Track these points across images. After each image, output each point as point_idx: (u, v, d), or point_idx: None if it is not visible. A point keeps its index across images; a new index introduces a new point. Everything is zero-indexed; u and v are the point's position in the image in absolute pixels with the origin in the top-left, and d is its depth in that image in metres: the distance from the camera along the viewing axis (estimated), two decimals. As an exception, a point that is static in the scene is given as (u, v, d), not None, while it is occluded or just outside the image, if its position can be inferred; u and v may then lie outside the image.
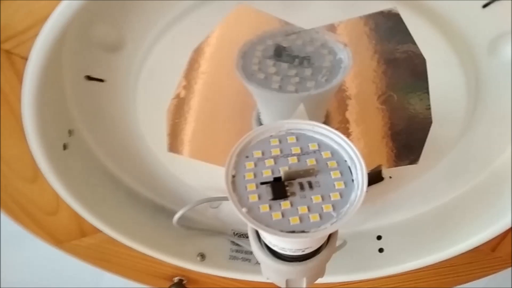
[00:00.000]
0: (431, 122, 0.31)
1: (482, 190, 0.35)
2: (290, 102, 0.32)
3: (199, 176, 0.37)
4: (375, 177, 0.36)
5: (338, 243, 0.42)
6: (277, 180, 0.27)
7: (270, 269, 0.32)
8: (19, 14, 0.21)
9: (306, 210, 0.26)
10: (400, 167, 0.35)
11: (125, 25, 0.27)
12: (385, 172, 0.36)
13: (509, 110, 0.31)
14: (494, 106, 0.31)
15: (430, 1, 0.25)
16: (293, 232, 0.26)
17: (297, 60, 0.35)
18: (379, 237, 0.42)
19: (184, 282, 0.43)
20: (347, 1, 0.25)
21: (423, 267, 0.39)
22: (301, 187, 0.27)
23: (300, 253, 0.30)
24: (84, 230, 0.36)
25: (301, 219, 0.26)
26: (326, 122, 0.39)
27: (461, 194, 0.36)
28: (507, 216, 0.33)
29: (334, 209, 0.26)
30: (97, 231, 0.37)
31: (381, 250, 0.41)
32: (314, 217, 0.26)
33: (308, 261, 0.31)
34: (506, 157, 0.33)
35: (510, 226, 0.34)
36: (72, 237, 0.37)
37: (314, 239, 0.28)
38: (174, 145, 0.34)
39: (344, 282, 0.41)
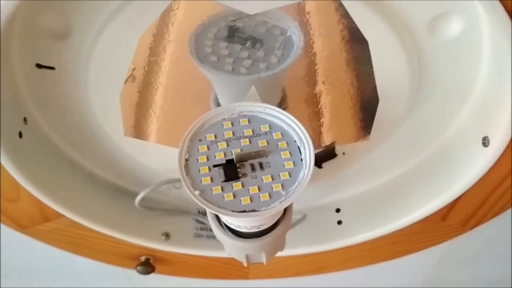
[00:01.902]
0: (378, 101, 0.32)
1: (430, 163, 0.37)
2: (243, 84, 0.33)
3: (159, 159, 0.37)
4: (329, 154, 0.37)
5: (298, 217, 0.44)
6: (230, 162, 0.28)
7: (230, 246, 0.33)
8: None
9: (256, 190, 0.27)
10: (352, 143, 0.36)
11: (71, 13, 0.27)
12: (338, 149, 0.37)
13: (453, 86, 0.32)
14: (438, 83, 0.32)
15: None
16: (244, 211, 0.27)
17: (249, 41, 0.35)
18: (337, 210, 0.44)
19: (151, 260, 0.44)
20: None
21: (380, 237, 0.41)
22: (252, 168, 0.28)
23: (255, 230, 0.31)
24: (47, 215, 0.37)
25: (251, 199, 0.27)
26: (282, 102, 0.40)
27: (412, 168, 0.38)
28: (453, 188, 0.35)
29: (283, 188, 0.27)
30: (60, 215, 0.37)
31: (339, 222, 0.43)
32: (264, 197, 0.27)
33: (264, 237, 0.32)
34: (451, 131, 0.35)
35: (456, 197, 0.36)
36: (35, 222, 0.37)
37: (266, 216, 0.29)
38: (130, 129, 0.34)
39: (304, 254, 0.43)
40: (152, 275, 0.44)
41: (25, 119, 0.33)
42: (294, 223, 0.44)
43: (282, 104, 0.39)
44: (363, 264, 0.46)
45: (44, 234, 0.39)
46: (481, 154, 0.32)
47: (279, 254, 0.43)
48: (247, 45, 0.35)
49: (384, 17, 0.27)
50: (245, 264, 0.35)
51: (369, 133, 0.35)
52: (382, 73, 0.30)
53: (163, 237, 0.42)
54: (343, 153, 0.37)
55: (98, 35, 0.28)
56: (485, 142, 0.32)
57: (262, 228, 0.31)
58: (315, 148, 0.38)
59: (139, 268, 0.43)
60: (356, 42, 0.29)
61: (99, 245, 0.41)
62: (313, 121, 0.36)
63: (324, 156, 0.37)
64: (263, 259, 0.36)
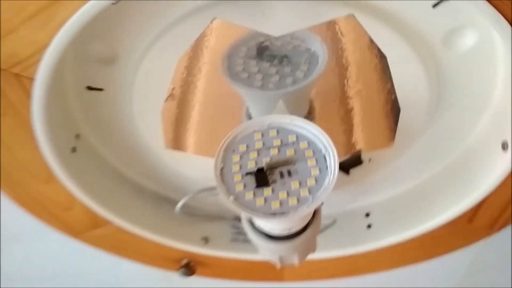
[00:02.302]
0: (399, 110, 0.34)
1: (453, 169, 0.38)
2: (271, 99, 0.36)
3: (196, 168, 0.40)
4: (355, 161, 0.39)
5: (329, 221, 0.46)
6: (260, 170, 0.31)
7: (264, 249, 0.36)
8: (23, 43, 0.25)
9: (285, 195, 0.29)
10: (378, 150, 0.38)
11: (117, 42, 0.30)
12: (364, 156, 0.39)
13: (472, 95, 0.34)
14: (457, 93, 0.33)
15: (383, 5, 0.28)
16: (274, 214, 0.29)
17: (277, 59, 0.38)
18: (367, 214, 0.46)
19: (191, 263, 0.47)
20: (308, 9, 0.28)
21: (408, 240, 0.43)
22: (281, 175, 0.31)
23: (287, 232, 0.34)
24: (97, 222, 0.41)
25: (281, 203, 0.29)
26: (310, 113, 0.42)
27: (436, 173, 0.40)
28: (476, 191, 0.36)
29: (310, 192, 0.30)
30: (109, 222, 0.41)
31: (369, 226, 0.45)
32: (292, 201, 0.29)
33: (295, 239, 0.34)
34: (473, 137, 0.36)
35: (480, 200, 0.37)
36: (87, 228, 0.41)
37: (295, 219, 0.32)
38: (170, 142, 0.38)
39: (337, 256, 0.45)
40: (192, 278, 0.47)
41: (77, 136, 0.37)
42: (325, 227, 0.47)
43: (310, 114, 0.42)
44: (394, 267, 0.47)
45: (95, 240, 0.42)
46: (501, 158, 0.34)
47: (311, 256, 0.45)
48: (275, 62, 0.38)
49: (401, 35, 0.29)
50: (278, 266, 0.38)
51: (393, 140, 0.37)
52: (402, 85, 0.32)
53: (202, 241, 0.45)
54: (369, 160, 0.40)
55: (141, 61, 0.31)
56: (504, 146, 0.33)
57: (293, 230, 0.34)
58: (342, 155, 0.41)
59: (181, 270, 0.46)
60: (376, 57, 0.31)
61: (144, 249, 0.44)
62: (339, 129, 0.38)
63: (351, 163, 0.40)
64: (295, 260, 0.38)
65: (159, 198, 0.43)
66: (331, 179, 0.30)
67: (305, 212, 0.29)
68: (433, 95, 0.33)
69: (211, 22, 0.28)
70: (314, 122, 0.41)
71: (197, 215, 0.45)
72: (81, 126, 0.36)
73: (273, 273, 0.50)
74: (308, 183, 0.30)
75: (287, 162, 0.31)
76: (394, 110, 0.34)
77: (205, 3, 0.28)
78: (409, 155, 0.39)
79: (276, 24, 0.30)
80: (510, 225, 0.41)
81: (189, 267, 0.47)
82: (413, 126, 0.36)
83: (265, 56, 0.38)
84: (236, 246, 0.46)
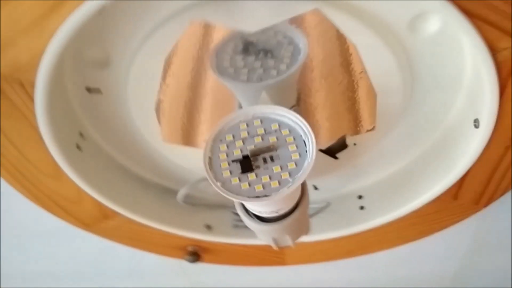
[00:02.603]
0: (376, 95, 0.36)
1: (434, 148, 0.40)
2: (256, 90, 0.38)
3: (193, 160, 0.43)
4: (341, 145, 0.42)
5: (323, 205, 0.48)
6: (245, 157, 0.33)
7: (257, 231, 0.39)
8: (22, 52, 0.28)
9: (268, 179, 0.32)
10: (361, 134, 0.40)
11: (108, 45, 0.33)
12: (349, 140, 0.41)
13: (444, 77, 0.36)
14: (429, 76, 0.35)
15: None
16: (257, 197, 0.32)
17: (261, 52, 0.41)
18: (360, 197, 0.48)
19: (197, 250, 0.50)
20: (278, 6, 0.30)
21: (399, 219, 0.45)
22: (265, 161, 0.33)
23: (275, 214, 0.36)
24: (106, 213, 0.44)
25: (264, 186, 0.32)
26: (298, 103, 0.44)
27: (419, 154, 0.42)
28: (455, 168, 0.38)
29: (290, 175, 0.32)
30: (117, 214, 0.44)
31: (362, 207, 0.47)
32: (274, 184, 0.32)
33: (283, 220, 0.37)
34: (450, 117, 0.38)
35: (460, 176, 0.39)
36: (96, 221, 0.45)
37: (279, 200, 0.34)
38: (167, 137, 0.41)
39: (335, 238, 0.47)
40: (206, 269, 0.50)
41: (81, 134, 0.40)
42: (318, 210, 0.49)
43: (298, 103, 0.44)
44: (390, 246, 0.49)
45: (105, 231, 0.46)
46: (474, 135, 0.35)
47: (310, 239, 0.48)
48: (260, 56, 0.40)
49: (366, 24, 0.31)
50: (274, 247, 0.41)
51: (374, 124, 0.39)
52: (375, 72, 0.34)
53: (205, 229, 0.48)
54: (354, 144, 0.42)
55: (132, 61, 0.34)
56: (476, 124, 0.35)
57: (281, 212, 0.36)
58: (328, 141, 0.43)
59: (187, 257, 0.49)
60: (346, 47, 0.33)
61: (152, 238, 0.47)
62: (323, 117, 0.40)
63: (337, 148, 0.42)
64: (289, 242, 0.41)
65: (163, 190, 0.46)
66: (309, 162, 0.32)
67: (286, 193, 0.32)
68: (406, 79, 0.35)
69: (190, 23, 0.31)
70: (301, 111, 0.44)
71: (199, 204, 0.47)
72: (84, 125, 0.40)
73: (275, 257, 0.52)
74: (289, 166, 0.32)
75: (270, 149, 0.34)
76: (370, 95, 0.36)
77: (186, 4, 0.30)
78: (392, 138, 0.41)
79: (252, 22, 0.32)
80: (497, 199, 0.43)
81: (195, 254, 0.50)
82: (392, 110, 0.38)
83: (251, 50, 0.40)
84: (238, 232, 0.49)
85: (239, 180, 0.33)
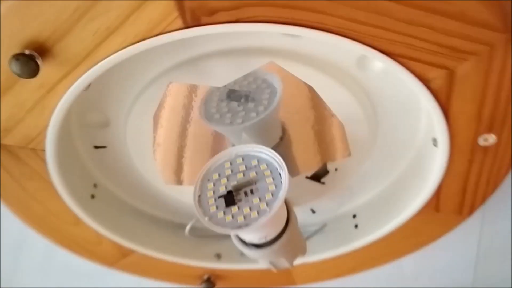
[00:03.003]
0: (343, 126, 0.40)
1: (410, 167, 0.44)
2: (240, 131, 0.43)
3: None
4: (322, 171, 0.46)
5: (317, 227, 0.52)
6: (229, 192, 0.38)
7: (252, 257, 0.43)
8: (30, 126, 0.34)
9: (248, 210, 0.36)
10: (340, 161, 0.44)
11: (105, 109, 0.39)
12: (330, 166, 0.45)
13: (402, 103, 0.39)
14: (388, 103, 0.39)
15: (295, 48, 0.35)
16: (240, 227, 0.36)
17: (243, 98, 0.46)
18: (354, 216, 0.51)
19: (211, 278, 0.55)
20: (238, 62, 0.36)
21: (391, 233, 0.48)
22: (245, 194, 0.37)
23: (264, 240, 0.40)
24: (124, 252, 0.49)
25: (245, 217, 0.36)
26: (283, 136, 0.49)
27: (397, 174, 0.45)
28: (428, 183, 0.42)
29: (267, 205, 0.36)
30: (134, 251, 0.49)
31: (356, 226, 0.51)
32: (253, 214, 0.36)
33: (273, 245, 0.41)
34: (418, 138, 0.42)
35: (433, 190, 0.42)
36: (117, 259, 0.50)
37: (261, 228, 0.39)
38: (168, 179, 0.46)
39: (328, 257, 0.51)
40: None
41: (94, 185, 0.46)
42: (316, 231, 0.53)
43: (283, 136, 0.49)
44: (388, 260, 0.52)
45: (126, 267, 0.51)
46: (436, 153, 0.39)
47: (310, 258, 0.52)
48: (241, 101, 0.45)
49: (317, 68, 0.36)
50: (274, 270, 0.45)
51: (348, 151, 0.43)
52: (336, 107, 0.38)
53: (216, 258, 0.53)
54: (335, 169, 0.46)
55: (127, 119, 0.40)
56: (435, 143, 0.39)
57: (268, 238, 0.40)
58: (313, 168, 0.47)
59: (203, 285, 0.54)
60: (306, 90, 0.38)
61: (169, 270, 0.52)
62: (304, 147, 0.45)
63: (321, 174, 0.46)
64: (286, 264, 0.45)
65: (173, 225, 0.52)
66: (283, 191, 0.36)
67: (264, 221, 0.36)
68: (367, 109, 0.39)
69: (168, 86, 0.36)
70: (287, 143, 0.49)
71: (206, 235, 0.52)
72: (96, 176, 0.46)
73: (285, 278, 0.56)
74: (266, 197, 0.37)
75: (250, 183, 0.38)
76: (338, 126, 0.40)
77: (162, 70, 0.36)
78: (372, 162, 0.45)
79: (218, 79, 0.37)
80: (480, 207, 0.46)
81: (210, 281, 0.54)
82: (364, 137, 0.42)
83: (233, 97, 0.46)
84: (245, 258, 0.53)
85: (224, 213, 0.37)
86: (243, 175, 0.39)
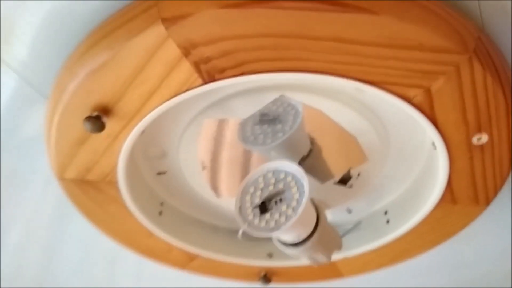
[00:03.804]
0: (355, 137, 0.47)
1: (426, 166, 0.50)
2: (270, 150, 0.51)
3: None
4: (346, 176, 0.53)
5: (352, 224, 0.59)
6: (263, 202, 0.46)
7: (293, 254, 0.51)
8: (104, 165, 0.45)
9: (278, 216, 0.44)
10: (360, 166, 0.51)
11: (161, 144, 0.50)
12: (353, 172, 0.52)
13: (403, 117, 0.45)
14: (394, 117, 0.46)
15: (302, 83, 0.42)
16: (272, 230, 0.45)
17: (272, 121, 0.54)
18: (385, 212, 0.57)
19: (268, 274, 0.63)
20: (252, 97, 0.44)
21: (419, 225, 0.54)
22: (275, 202, 0.46)
23: (297, 239, 0.48)
24: (190, 256, 0.59)
25: (276, 222, 0.44)
26: (312, 150, 0.56)
27: (417, 172, 0.52)
28: (437, 177, 0.47)
29: (293, 210, 0.44)
30: (198, 255, 0.59)
31: (388, 221, 0.57)
32: (282, 219, 0.44)
33: (306, 243, 0.49)
34: (426, 141, 0.47)
35: (444, 184, 0.47)
36: (186, 262, 0.60)
37: (290, 230, 0.46)
38: (219, 194, 0.55)
39: (367, 251, 0.57)
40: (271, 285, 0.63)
41: (161, 203, 0.56)
42: (351, 228, 0.59)
43: (312, 148, 0.56)
44: (422, 251, 0.58)
45: (194, 269, 0.61)
46: (437, 154, 0.45)
47: (351, 252, 0.58)
48: (271, 123, 0.53)
49: (324, 95, 0.43)
50: (314, 265, 0.52)
51: (365, 157, 0.50)
52: (344, 123, 0.45)
53: (268, 257, 0.61)
54: (358, 174, 0.52)
55: (178, 150, 0.50)
56: (434, 146, 0.44)
57: (302, 237, 0.48)
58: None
59: (260, 280, 0.63)
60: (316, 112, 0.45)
61: (230, 269, 0.62)
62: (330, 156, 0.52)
63: (346, 179, 0.53)
64: (324, 259, 0.52)
65: (229, 231, 0.61)
66: (305, 198, 0.44)
67: (290, 224, 0.44)
68: (373, 121, 0.46)
69: (203, 122, 0.46)
70: (315, 154, 0.55)
71: (258, 238, 0.61)
72: (161, 196, 0.56)
73: (332, 272, 0.63)
74: (292, 204, 0.45)
75: (279, 193, 0.46)
76: (350, 138, 0.47)
77: (197, 112, 0.46)
78: (390, 167, 0.51)
79: (240, 113, 0.46)
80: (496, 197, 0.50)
81: (266, 277, 0.63)
82: (376, 146, 0.48)
83: (264, 120, 0.54)
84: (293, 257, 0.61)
85: (259, 220, 0.46)
86: (273, 187, 0.46)
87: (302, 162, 0.53)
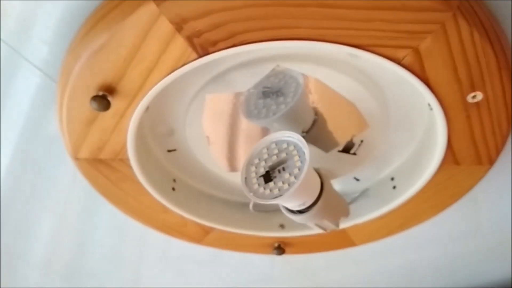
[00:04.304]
0: (353, 103, 0.48)
1: (427, 128, 0.51)
2: (273, 122, 0.53)
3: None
4: (350, 144, 0.54)
5: (359, 191, 0.60)
6: (267, 171, 0.48)
7: (301, 221, 0.53)
8: (114, 143, 0.47)
9: (281, 184, 0.46)
10: (361, 133, 0.52)
11: (167, 122, 0.52)
12: (356, 140, 0.53)
13: (400, 79, 0.46)
14: (391, 80, 0.47)
15: (298, 53, 0.44)
16: (276, 197, 0.46)
17: (274, 94, 0.55)
18: (392, 178, 0.58)
19: (281, 245, 0.65)
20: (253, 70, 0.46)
21: (424, 190, 0.54)
22: (279, 171, 0.47)
23: (303, 207, 0.50)
24: (206, 230, 0.62)
25: (279, 189, 0.46)
26: (316, 120, 0.57)
27: (420, 135, 0.53)
28: (440, 140, 0.48)
29: (295, 178, 0.46)
30: (213, 228, 0.62)
31: (394, 187, 0.58)
32: (285, 186, 0.46)
33: (311, 209, 0.50)
34: (423, 105, 0.48)
35: (445, 143, 0.48)
36: (201, 236, 0.63)
37: (294, 196, 0.48)
38: (228, 168, 0.57)
39: (376, 217, 0.58)
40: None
41: (174, 180, 0.59)
42: (358, 196, 0.61)
43: (317, 118, 0.57)
44: (430, 215, 0.58)
45: (210, 242, 0.64)
46: (434, 115, 0.45)
47: (360, 219, 0.60)
48: (273, 96, 0.55)
49: (319, 64, 0.44)
50: (322, 231, 0.54)
51: (366, 124, 0.51)
52: (341, 90, 0.47)
53: (280, 228, 0.63)
54: (361, 141, 0.53)
55: (184, 127, 0.52)
56: (430, 107, 0.45)
57: (307, 204, 0.49)
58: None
59: (274, 251, 0.65)
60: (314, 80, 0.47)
61: (244, 242, 0.64)
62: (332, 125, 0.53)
63: (349, 147, 0.54)
64: (332, 226, 0.54)
65: (241, 204, 0.63)
66: (306, 165, 0.46)
67: (293, 190, 0.46)
68: (371, 88, 0.47)
69: (207, 98, 0.48)
70: (319, 124, 0.56)
71: (269, 210, 0.63)
72: (173, 172, 0.59)
73: (345, 241, 0.64)
74: (294, 172, 0.46)
75: (282, 162, 0.48)
76: (350, 105, 0.48)
77: (199, 88, 0.48)
78: (392, 133, 0.52)
79: (241, 86, 0.48)
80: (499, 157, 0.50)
81: (280, 248, 0.65)
82: (376, 113, 0.49)
83: (267, 94, 0.55)
84: (306, 226, 0.62)
85: (264, 188, 0.47)
86: (277, 157, 0.48)
87: (306, 132, 0.54)
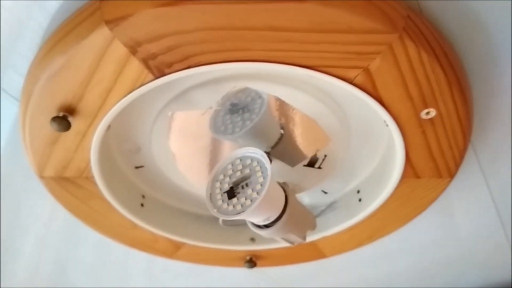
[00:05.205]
0: (314, 120, 0.49)
1: (388, 146, 0.52)
2: (238, 138, 0.54)
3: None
4: (314, 158, 0.55)
5: (326, 204, 0.61)
6: (231, 188, 0.49)
7: (267, 235, 0.53)
8: (78, 162, 0.48)
9: (244, 199, 0.47)
10: (324, 148, 0.53)
11: (134, 139, 0.53)
12: (319, 154, 0.54)
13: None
14: (349, 99, 0.48)
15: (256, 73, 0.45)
16: (239, 213, 0.47)
17: (241, 110, 0.56)
18: (358, 191, 0.59)
19: (253, 258, 0.66)
20: (214, 89, 0.47)
21: (389, 201, 0.55)
22: (242, 187, 0.48)
23: (267, 221, 0.51)
24: (176, 245, 0.62)
25: (242, 205, 0.47)
26: (283, 135, 0.58)
27: (382, 151, 0.54)
28: (396, 152, 0.49)
29: (257, 193, 0.47)
30: (184, 243, 0.62)
31: (360, 200, 0.59)
32: (247, 202, 0.47)
33: (275, 224, 0.51)
34: (380, 124, 0.49)
35: (403, 158, 0.49)
36: (173, 251, 0.63)
37: (257, 212, 0.49)
38: (194, 182, 0.58)
39: (344, 229, 0.59)
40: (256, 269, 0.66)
41: (143, 196, 0.59)
42: (325, 209, 0.62)
43: (284, 133, 0.58)
44: (398, 226, 0.59)
45: (181, 257, 0.64)
46: (389, 131, 0.47)
47: (327, 232, 0.61)
48: (240, 112, 0.56)
49: (277, 82, 0.45)
50: (290, 245, 0.55)
51: (327, 139, 0.52)
52: (302, 107, 0.48)
53: (251, 241, 0.64)
54: (325, 156, 0.54)
55: (150, 144, 0.52)
56: (386, 123, 0.46)
57: (272, 219, 0.50)
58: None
59: (246, 264, 0.65)
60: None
61: (216, 256, 0.65)
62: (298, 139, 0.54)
63: (313, 161, 0.55)
64: (298, 239, 0.54)
65: (212, 219, 0.63)
66: (268, 181, 0.47)
67: (255, 206, 0.46)
68: (330, 104, 0.48)
69: (171, 116, 0.49)
70: (286, 139, 0.58)
71: (239, 224, 0.63)
72: (142, 189, 0.59)
73: (316, 253, 0.65)
74: (257, 188, 0.47)
75: (245, 178, 0.49)
76: (310, 121, 0.49)
77: (161, 107, 0.48)
78: (355, 147, 0.53)
79: (202, 104, 0.49)
80: (459, 170, 0.52)
81: (251, 261, 0.66)
82: (337, 128, 0.50)
83: (234, 110, 0.56)
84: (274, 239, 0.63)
85: (227, 205, 0.48)
86: (241, 172, 0.49)
87: (273, 148, 0.55)
